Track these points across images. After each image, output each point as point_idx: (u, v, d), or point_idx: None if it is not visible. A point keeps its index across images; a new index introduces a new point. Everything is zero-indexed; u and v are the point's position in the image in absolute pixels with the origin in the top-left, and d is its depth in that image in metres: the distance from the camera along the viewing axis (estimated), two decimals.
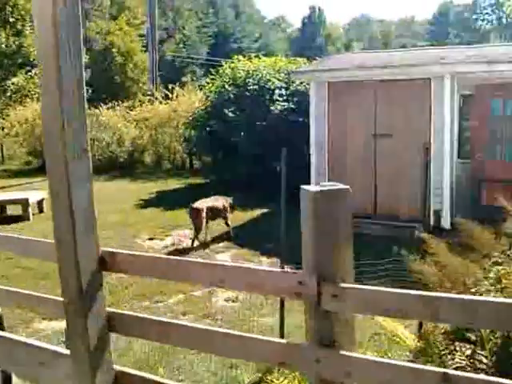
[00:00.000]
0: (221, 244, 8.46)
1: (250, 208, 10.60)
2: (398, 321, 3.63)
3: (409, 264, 3.90)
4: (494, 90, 8.51)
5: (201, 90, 15.67)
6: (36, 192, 11.16)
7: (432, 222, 8.79)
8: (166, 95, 17.77)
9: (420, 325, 3.69)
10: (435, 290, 3.60)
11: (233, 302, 6.12)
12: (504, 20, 53.05)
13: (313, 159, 9.72)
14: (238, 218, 9.98)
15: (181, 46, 40.94)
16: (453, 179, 8.88)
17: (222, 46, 42.12)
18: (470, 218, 8.28)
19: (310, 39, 51.96)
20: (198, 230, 8.25)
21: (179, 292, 6.32)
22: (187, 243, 8.43)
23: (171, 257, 2.69)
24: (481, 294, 3.34)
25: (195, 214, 8.26)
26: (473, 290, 3.37)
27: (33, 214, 10.31)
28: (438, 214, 8.78)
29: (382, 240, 8.00)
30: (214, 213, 8.59)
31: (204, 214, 8.27)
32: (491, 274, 3.49)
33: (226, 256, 7.90)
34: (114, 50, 26.24)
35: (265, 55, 14.79)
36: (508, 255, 3.70)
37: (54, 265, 2.40)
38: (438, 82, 8.53)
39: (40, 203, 10.78)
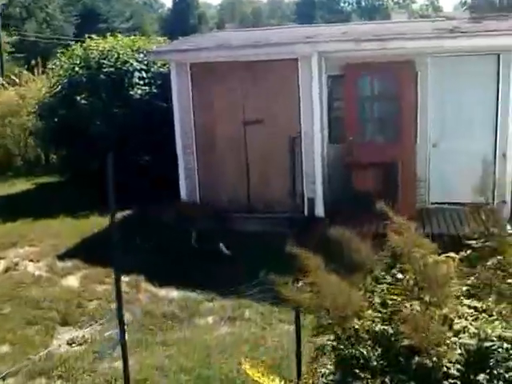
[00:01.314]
0: (68, 263, 7.24)
1: (108, 211, 9.45)
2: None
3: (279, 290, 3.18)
4: (361, 69, 8.21)
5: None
6: None
7: (306, 211, 8.38)
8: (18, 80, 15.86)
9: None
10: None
11: (79, 344, 5.14)
12: (363, 2, 60.02)
13: (179, 150, 8.87)
14: (96, 223, 8.89)
15: (44, 26, 37.65)
16: (325, 165, 8.53)
17: (89, 26, 39.33)
18: (344, 205, 8.18)
19: (183, 19, 50.54)
20: None
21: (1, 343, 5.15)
22: (26, 266, 7.15)
23: None
24: (368, 330, 2.74)
25: None
26: (358, 324, 2.76)
27: None
28: (311, 202, 8.38)
29: (257, 239, 7.46)
30: None
31: None
32: (376, 299, 2.91)
33: (73, 279, 6.78)
34: None
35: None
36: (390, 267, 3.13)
37: None
38: (306, 62, 8.06)
39: None
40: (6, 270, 7.02)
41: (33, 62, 17.65)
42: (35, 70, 16.37)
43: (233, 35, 10.11)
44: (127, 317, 5.60)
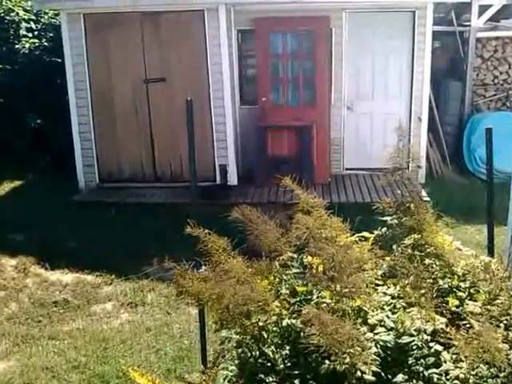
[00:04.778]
0: None
1: None
2: None
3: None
4: (273, 24, 7.85)
5: None
6: None
7: (219, 179, 8.04)
8: None
9: None
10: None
11: None
12: None
13: (73, 111, 8.19)
14: None
15: None
16: (237, 129, 8.17)
17: None
18: (258, 172, 7.91)
19: None
20: None
21: None
22: None
23: None
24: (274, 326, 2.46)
25: None
26: (262, 320, 2.46)
27: None
28: (223, 169, 8.03)
29: (163, 212, 7.07)
30: None
31: None
32: (284, 290, 2.62)
33: None
34: None
35: None
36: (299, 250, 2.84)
37: None
38: (213, 14, 7.55)
39: None
40: None
41: None
42: None
43: None
44: (13, 307, 5.13)
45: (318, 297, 2.49)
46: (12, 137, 9.29)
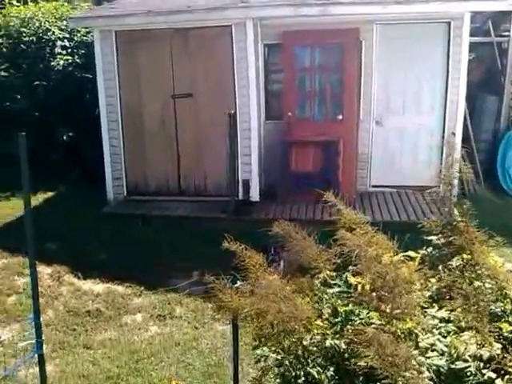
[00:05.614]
0: None
1: (31, 192, 8.62)
2: None
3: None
4: (301, 37, 7.64)
5: None
6: None
7: (241, 195, 7.85)
8: None
9: None
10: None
11: None
12: None
13: (104, 125, 8.12)
14: (17, 207, 8.03)
15: None
16: (261, 144, 7.99)
17: None
18: (281, 188, 7.70)
19: None
20: None
21: None
22: None
23: None
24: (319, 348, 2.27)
25: None
26: (306, 340, 2.27)
27: None
28: (246, 184, 7.85)
29: (188, 226, 6.95)
30: None
31: None
32: (326, 309, 2.43)
33: None
34: None
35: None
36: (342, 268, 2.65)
37: None
38: (240, 29, 7.40)
39: None
40: None
41: None
42: None
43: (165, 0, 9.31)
44: (50, 314, 5.02)
45: (364, 317, 2.29)
46: (45, 149, 9.26)
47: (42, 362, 3.37)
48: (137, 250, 6.40)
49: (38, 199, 8.47)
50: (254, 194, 7.85)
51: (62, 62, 9.73)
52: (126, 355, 4.40)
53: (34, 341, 3.32)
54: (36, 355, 3.36)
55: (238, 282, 2.94)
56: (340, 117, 7.68)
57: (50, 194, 8.74)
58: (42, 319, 3.31)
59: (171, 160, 8.08)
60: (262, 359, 2.59)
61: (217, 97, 7.75)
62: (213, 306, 2.65)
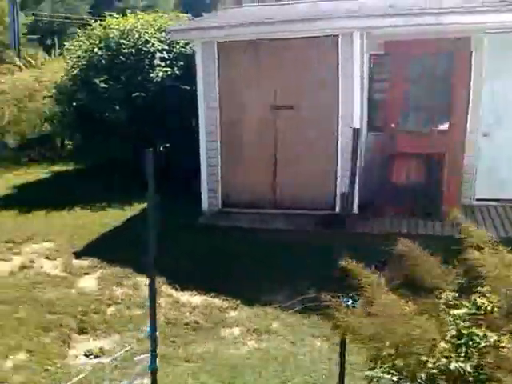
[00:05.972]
0: (85, 261, 6.84)
1: (128, 203, 9.16)
2: None
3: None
4: (409, 47, 7.60)
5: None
6: None
7: (338, 208, 7.89)
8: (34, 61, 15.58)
9: None
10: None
11: (96, 356, 4.74)
12: None
13: (202, 136, 8.43)
14: (114, 217, 8.57)
15: (59, 5, 37.47)
16: (362, 155, 7.98)
17: (104, 4, 39.04)
18: (380, 200, 7.63)
19: None
20: None
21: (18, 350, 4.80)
22: (42, 264, 6.79)
23: None
24: (443, 370, 2.25)
25: None
26: (430, 362, 2.26)
27: None
28: (344, 197, 7.83)
29: (283, 239, 7.10)
30: None
31: None
32: (451, 331, 2.40)
33: (90, 280, 6.36)
34: None
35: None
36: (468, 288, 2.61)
37: None
38: (347, 39, 7.48)
39: None
40: (22, 267, 6.68)
41: (48, 42, 17.37)
42: (52, 51, 16.08)
43: (262, 10, 9.53)
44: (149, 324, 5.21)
45: (493, 341, 2.25)
46: (142, 160, 9.73)
47: (154, 377, 3.41)
48: (232, 263, 6.57)
49: (134, 209, 8.93)
50: (352, 207, 7.85)
51: (160, 74, 10.19)
52: (224, 369, 4.52)
53: (146, 355, 3.44)
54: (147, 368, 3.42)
55: (349, 301, 2.98)
56: (446, 128, 7.56)
57: (145, 204, 9.13)
58: (156, 332, 3.43)
59: (268, 172, 8.25)
60: (375, 380, 2.61)
61: (319, 108, 7.88)
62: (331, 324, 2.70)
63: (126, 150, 10.11)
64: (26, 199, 9.76)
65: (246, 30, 7.84)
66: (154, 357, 3.35)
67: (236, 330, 5.19)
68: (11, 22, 20.43)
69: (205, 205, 8.47)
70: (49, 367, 4.58)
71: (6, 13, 23.67)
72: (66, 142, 13.91)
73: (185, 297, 5.82)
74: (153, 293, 3.41)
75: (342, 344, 3.33)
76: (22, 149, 14.33)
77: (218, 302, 5.69)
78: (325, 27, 7.51)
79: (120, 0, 41.06)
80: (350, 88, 7.58)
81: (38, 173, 12.04)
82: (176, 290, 5.96)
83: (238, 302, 5.64)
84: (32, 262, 6.85)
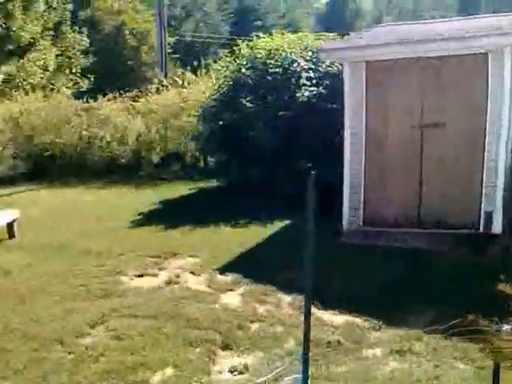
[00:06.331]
0: (229, 277, 7.26)
1: (269, 220, 9.69)
2: None
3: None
4: None
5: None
6: (6, 211, 9.59)
7: (482, 227, 7.82)
8: (181, 81, 16.90)
9: None
10: None
11: (240, 373, 5.02)
12: None
13: (347, 155, 8.75)
14: (256, 234, 9.09)
15: (201, 24, 39.96)
16: (507, 172, 7.88)
17: (244, 23, 41.02)
18: None
19: (338, 14, 50.81)
20: None
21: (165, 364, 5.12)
22: (186, 279, 7.28)
23: None
24: None
25: None
26: None
27: None
28: (488, 216, 7.74)
29: (426, 259, 7.24)
30: None
31: None
32: None
33: (234, 296, 6.71)
34: (126, 31, 25.44)
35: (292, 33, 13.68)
36: None
37: None
38: (497, 56, 7.48)
39: (10, 226, 9.33)
40: (168, 282, 7.15)
41: (190, 61, 18.68)
42: (198, 72, 17.29)
43: (412, 28, 9.72)
44: (291, 343, 5.48)
45: None
46: (285, 178, 10.26)
47: None
48: (372, 282, 6.74)
49: (275, 227, 9.43)
50: (496, 227, 7.73)
51: (306, 93, 10.68)
52: None
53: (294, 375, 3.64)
54: None
55: (507, 326, 3.07)
56: None
57: (286, 222, 9.63)
58: (308, 353, 3.59)
59: (412, 190, 8.34)
60: None
61: (466, 126, 7.91)
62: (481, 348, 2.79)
63: (268, 168, 10.71)
64: (170, 214, 10.61)
65: (393, 49, 8.09)
66: (305, 379, 3.53)
67: (378, 351, 5.35)
68: (158, 43, 22.29)
69: (345, 222, 8.73)
70: (194, 383, 4.80)
71: (152, 34, 25.89)
72: (209, 159, 14.93)
73: (326, 315, 6.06)
74: (307, 316, 3.59)
75: (496, 372, 3.38)
76: (165, 165, 15.62)
77: (359, 321, 5.88)
78: (475, 45, 7.57)
79: (260, 19, 42.98)
80: (500, 105, 7.57)
81: (181, 189, 13.02)
82: (318, 308, 6.15)
83: (380, 322, 5.79)
84: (177, 276, 7.30)
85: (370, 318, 5.90)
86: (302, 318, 5.94)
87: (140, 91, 17.58)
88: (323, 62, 11.13)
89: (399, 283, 6.71)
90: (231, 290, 6.90)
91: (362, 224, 8.72)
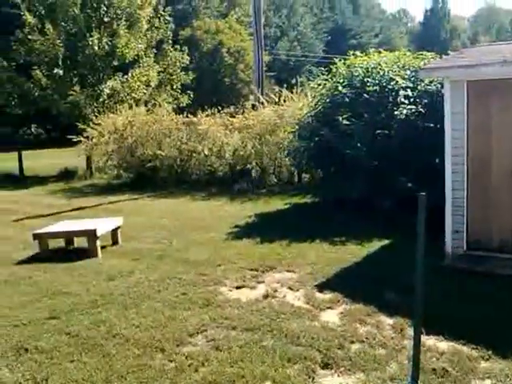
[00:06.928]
0: (327, 295, 7.04)
1: (366, 239, 9.40)
2: None
3: None
4: None
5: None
6: (111, 219, 10.14)
7: None
8: (277, 98, 16.96)
9: None
10: None
11: None
12: None
13: (448, 175, 8.33)
14: (354, 252, 8.86)
15: (295, 43, 40.22)
16: None
17: (338, 42, 40.93)
18: None
19: (433, 33, 49.69)
20: None
21: (265, 378, 4.99)
22: (284, 294, 7.12)
23: None
24: None
25: None
26: None
27: (103, 247, 9.41)
28: None
29: None
30: None
31: None
32: None
33: (333, 314, 6.48)
34: (223, 49, 25.95)
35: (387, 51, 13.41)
36: None
37: None
38: None
39: (114, 233, 9.74)
40: (266, 296, 7.06)
41: (284, 78, 18.73)
42: (294, 89, 17.28)
43: (510, 49, 9.20)
44: (394, 367, 5.19)
45: None
46: (382, 197, 9.97)
47: None
48: (478, 309, 6.36)
49: (373, 246, 9.13)
50: None
51: (404, 112, 10.37)
52: None
53: None
54: None
55: None
56: None
57: (385, 241, 9.30)
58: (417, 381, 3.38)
59: None
60: None
61: None
62: None
63: (364, 186, 10.45)
64: (266, 228, 10.56)
65: (497, 69, 7.63)
66: None
67: (488, 382, 5.00)
68: (256, 61, 22.51)
69: (448, 246, 8.30)
70: None
71: (248, 52, 26.24)
72: (304, 175, 14.85)
73: (431, 341, 5.72)
74: (417, 342, 3.41)
75: None
76: (261, 179, 15.70)
77: (466, 349, 5.51)
78: None
79: (355, 38, 42.76)
80: None
81: (277, 203, 13.00)
82: (422, 333, 5.90)
83: (490, 352, 5.41)
84: (275, 291, 7.18)
85: (477, 346, 5.53)
86: (405, 341, 5.72)
87: (236, 107, 17.82)
88: (422, 81, 10.78)
89: (505, 312, 6.27)
90: (330, 308, 6.68)
91: (465, 248, 8.28)
